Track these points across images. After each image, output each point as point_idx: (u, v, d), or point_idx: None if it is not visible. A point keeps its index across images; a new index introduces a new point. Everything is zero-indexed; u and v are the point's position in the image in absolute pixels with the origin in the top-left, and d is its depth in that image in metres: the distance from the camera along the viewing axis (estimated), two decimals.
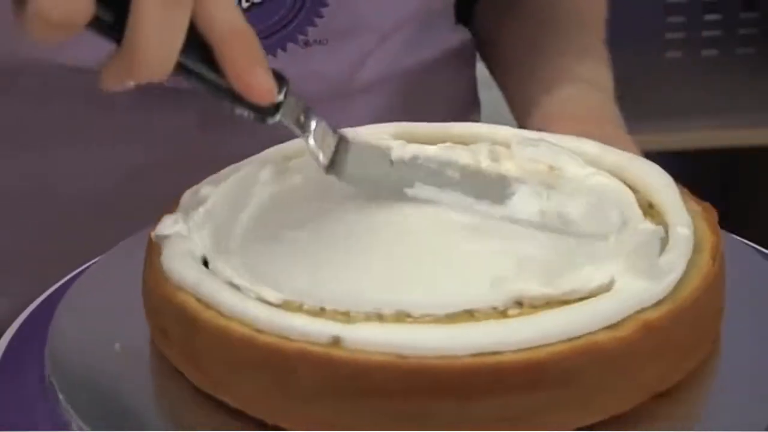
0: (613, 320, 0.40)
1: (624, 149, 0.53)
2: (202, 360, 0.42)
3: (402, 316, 0.41)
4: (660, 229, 0.45)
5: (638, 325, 0.41)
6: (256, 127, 0.69)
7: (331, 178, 0.50)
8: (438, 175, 0.50)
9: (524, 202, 0.49)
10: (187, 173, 0.67)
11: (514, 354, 0.39)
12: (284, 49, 0.68)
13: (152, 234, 0.47)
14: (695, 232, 0.45)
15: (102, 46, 0.49)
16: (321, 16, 0.68)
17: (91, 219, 0.71)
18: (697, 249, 0.45)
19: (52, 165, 0.70)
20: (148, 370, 0.45)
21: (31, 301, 0.52)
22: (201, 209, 0.48)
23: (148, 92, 0.68)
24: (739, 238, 0.56)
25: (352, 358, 0.39)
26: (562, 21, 0.79)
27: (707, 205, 0.48)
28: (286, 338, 0.40)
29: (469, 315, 0.41)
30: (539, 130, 0.57)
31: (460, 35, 0.81)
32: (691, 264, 0.44)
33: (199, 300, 0.43)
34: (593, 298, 0.41)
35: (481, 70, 0.86)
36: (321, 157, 0.49)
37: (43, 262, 0.66)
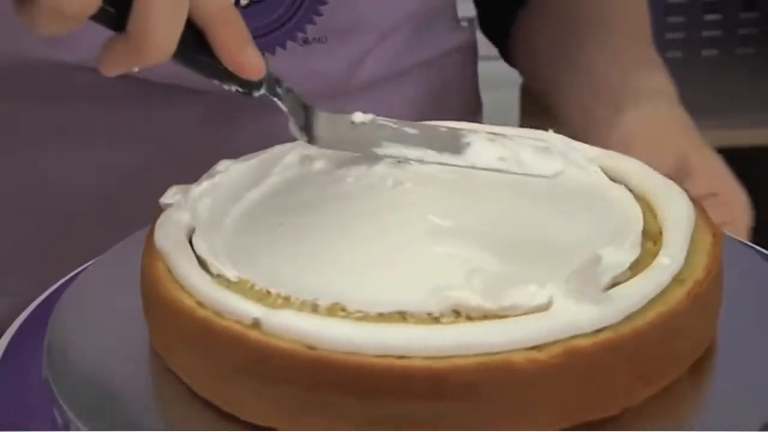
0: (537, 341, 0.40)
1: (708, 161, 0.57)
2: (157, 327, 0.45)
3: (336, 309, 0.42)
4: (599, 256, 0.43)
5: (563, 350, 0.40)
6: (256, 126, 0.70)
7: (347, 167, 0.52)
8: (399, 133, 0.53)
9: (482, 151, 0.51)
10: (188, 172, 0.67)
11: (421, 361, 0.39)
12: (283, 47, 0.69)
13: (160, 201, 0.49)
14: (688, 264, 0.44)
15: (101, 42, 0.49)
16: (320, 15, 0.68)
17: (91, 218, 0.71)
18: (678, 279, 0.44)
19: (52, 164, 0.71)
20: (147, 370, 0.45)
21: (31, 301, 0.52)
22: (207, 182, 0.50)
23: (148, 91, 0.68)
24: (738, 238, 0.56)
25: (263, 342, 0.40)
26: (613, 29, 0.78)
27: (719, 238, 0.46)
28: (219, 315, 0.41)
29: (401, 317, 0.41)
30: (620, 152, 0.58)
31: (461, 35, 0.81)
32: (665, 294, 0.43)
33: (168, 270, 0.44)
34: (526, 316, 0.41)
35: (482, 71, 0.86)
36: (295, 122, 0.53)
37: (43, 262, 0.66)
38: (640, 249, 0.45)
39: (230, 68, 0.49)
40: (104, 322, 0.48)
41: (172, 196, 0.50)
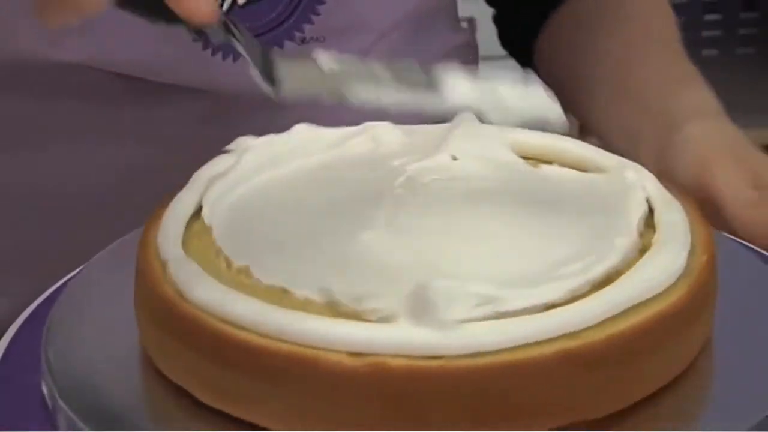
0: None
1: None
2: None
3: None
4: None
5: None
6: (255, 124, 0.70)
7: (377, 160, 0.52)
8: (369, 74, 0.51)
9: (455, 85, 0.49)
10: (188, 172, 0.67)
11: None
12: (281, 46, 0.69)
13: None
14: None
15: (101, 41, 0.49)
16: (318, 14, 0.68)
17: (91, 217, 0.71)
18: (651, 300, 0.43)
19: (51, 163, 0.71)
20: (145, 370, 0.45)
21: (31, 301, 0.52)
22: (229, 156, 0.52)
23: (147, 90, 0.68)
24: (735, 238, 0.56)
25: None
26: (650, 45, 0.77)
27: (711, 257, 0.46)
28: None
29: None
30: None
31: (461, 36, 0.81)
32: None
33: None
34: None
35: (482, 71, 0.86)
36: (255, 67, 0.51)
37: (43, 261, 0.66)
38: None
39: (179, 15, 0.47)
40: (102, 323, 0.48)
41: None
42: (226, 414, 0.42)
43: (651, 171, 0.51)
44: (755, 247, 0.54)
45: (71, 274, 0.53)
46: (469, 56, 0.83)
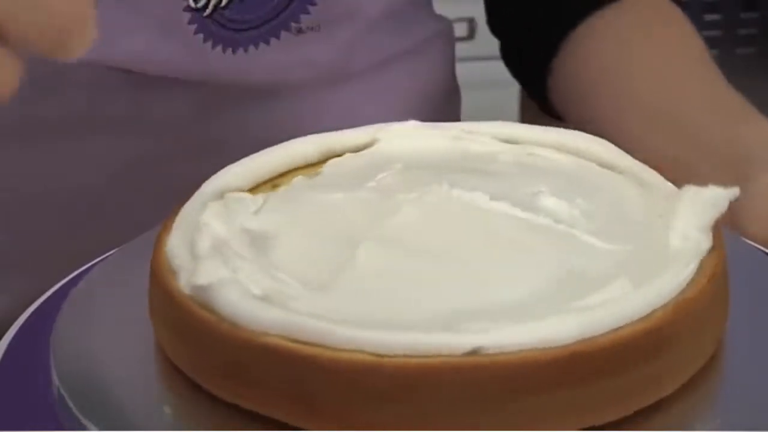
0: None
1: None
2: (315, 399, 0.40)
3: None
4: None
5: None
6: (248, 114, 0.70)
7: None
8: None
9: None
10: (184, 162, 0.67)
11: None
12: (278, 37, 0.69)
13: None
14: None
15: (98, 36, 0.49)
16: (314, 4, 0.69)
17: (91, 212, 0.71)
18: None
19: (47, 158, 0.70)
20: (155, 370, 0.45)
21: (34, 299, 0.52)
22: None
23: (143, 82, 0.68)
24: (741, 237, 0.56)
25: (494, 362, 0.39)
26: (689, 64, 0.74)
27: (721, 261, 0.45)
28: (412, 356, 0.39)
29: None
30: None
31: (440, 23, 0.81)
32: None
33: (294, 340, 0.40)
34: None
35: (482, 71, 0.86)
36: None
37: (45, 259, 0.66)
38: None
39: None
40: (111, 322, 0.48)
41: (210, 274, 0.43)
42: (240, 410, 0.41)
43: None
44: (762, 248, 0.54)
45: (72, 275, 0.53)
46: (447, 42, 0.82)
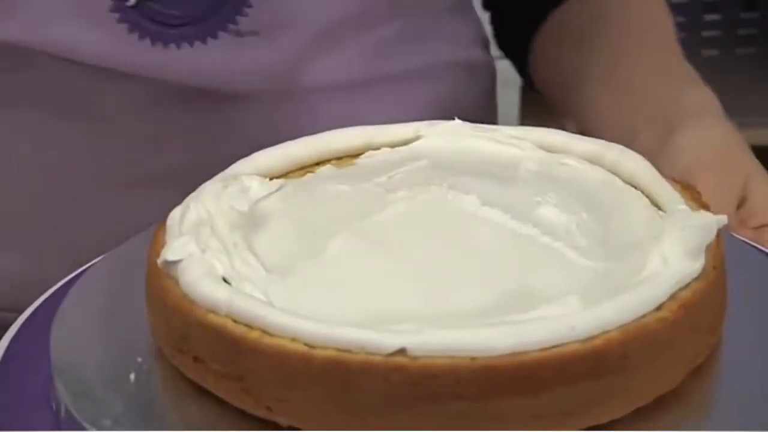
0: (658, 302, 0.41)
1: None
2: (249, 381, 0.41)
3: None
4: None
5: (680, 304, 0.41)
6: (197, 121, 0.70)
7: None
8: None
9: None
10: (138, 152, 0.67)
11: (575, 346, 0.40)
12: (215, 37, 0.68)
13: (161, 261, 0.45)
14: None
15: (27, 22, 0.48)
16: (250, 5, 0.68)
17: (44, 195, 0.72)
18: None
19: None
20: (155, 371, 0.45)
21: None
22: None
23: (94, 72, 0.68)
24: (740, 237, 0.56)
25: (415, 366, 0.39)
26: (644, 44, 0.76)
27: (719, 259, 0.45)
28: (348, 351, 0.39)
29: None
30: (686, 176, 0.57)
31: (459, 53, 0.80)
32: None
33: (237, 321, 0.41)
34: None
35: None
36: None
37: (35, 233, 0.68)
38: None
39: None
40: (109, 323, 0.48)
41: (179, 251, 0.44)
42: (237, 410, 0.42)
43: None
44: (761, 247, 0.54)
45: (71, 275, 0.53)
46: (476, 76, 0.82)
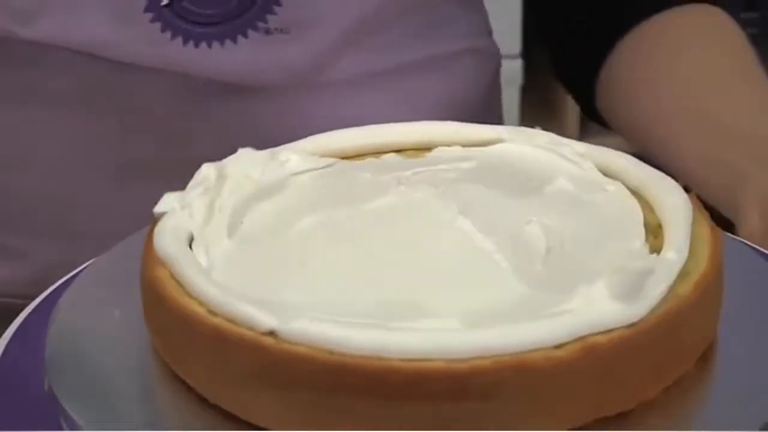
0: (557, 341, 0.39)
1: None
2: (163, 334, 0.44)
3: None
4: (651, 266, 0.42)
5: (582, 347, 0.39)
6: (221, 116, 0.70)
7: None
8: None
9: None
10: (161, 145, 0.67)
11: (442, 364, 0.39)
12: (245, 35, 0.69)
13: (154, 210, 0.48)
14: (691, 256, 0.44)
15: (62, 21, 0.48)
16: (279, 4, 0.69)
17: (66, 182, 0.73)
18: (683, 272, 0.43)
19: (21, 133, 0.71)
20: (150, 371, 0.45)
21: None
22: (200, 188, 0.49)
23: (121, 67, 0.69)
24: (738, 238, 0.56)
25: (280, 348, 0.40)
26: (732, 72, 0.74)
27: (716, 230, 0.45)
28: (233, 322, 0.41)
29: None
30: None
31: (472, 42, 0.80)
32: (673, 288, 0.42)
33: (172, 276, 0.44)
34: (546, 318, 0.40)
35: None
36: None
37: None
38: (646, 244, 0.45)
39: None
40: (105, 323, 0.48)
41: (166, 204, 0.48)
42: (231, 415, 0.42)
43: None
44: (759, 248, 0.54)
45: (71, 274, 0.53)
46: (479, 63, 0.82)
